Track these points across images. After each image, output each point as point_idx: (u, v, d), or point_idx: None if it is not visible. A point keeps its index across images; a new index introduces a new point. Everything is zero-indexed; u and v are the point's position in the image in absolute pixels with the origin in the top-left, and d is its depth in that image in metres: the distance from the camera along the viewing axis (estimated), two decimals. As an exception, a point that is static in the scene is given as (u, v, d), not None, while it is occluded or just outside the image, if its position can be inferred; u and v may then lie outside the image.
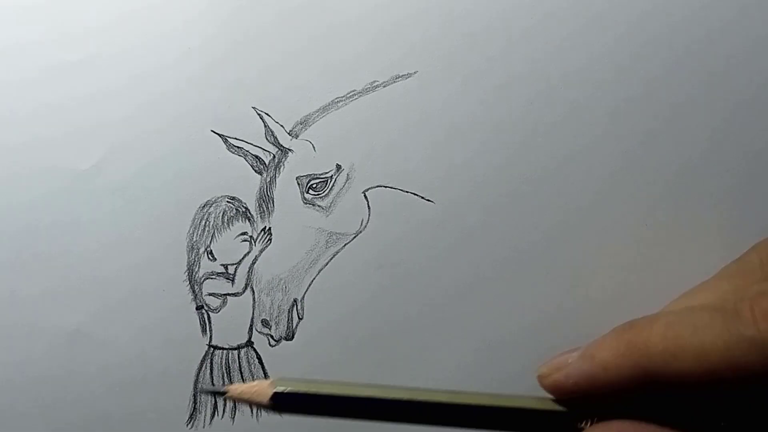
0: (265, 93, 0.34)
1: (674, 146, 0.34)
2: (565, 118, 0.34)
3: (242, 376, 0.34)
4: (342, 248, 0.34)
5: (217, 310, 0.34)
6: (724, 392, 0.25)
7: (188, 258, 0.34)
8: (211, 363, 0.34)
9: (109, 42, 0.34)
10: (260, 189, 0.34)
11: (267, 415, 0.34)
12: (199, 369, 0.34)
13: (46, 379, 0.34)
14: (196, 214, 0.34)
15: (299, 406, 0.27)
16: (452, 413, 0.27)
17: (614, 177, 0.34)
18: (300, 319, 0.34)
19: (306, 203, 0.34)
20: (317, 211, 0.34)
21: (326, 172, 0.35)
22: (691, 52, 0.34)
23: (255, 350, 0.34)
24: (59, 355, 0.34)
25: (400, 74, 0.35)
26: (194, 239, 0.34)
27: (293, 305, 0.34)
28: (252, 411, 0.34)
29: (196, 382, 0.34)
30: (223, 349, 0.34)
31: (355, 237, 0.34)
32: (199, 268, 0.34)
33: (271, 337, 0.34)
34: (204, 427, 0.34)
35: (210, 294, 0.34)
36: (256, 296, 0.34)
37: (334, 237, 0.34)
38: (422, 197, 0.34)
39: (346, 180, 0.34)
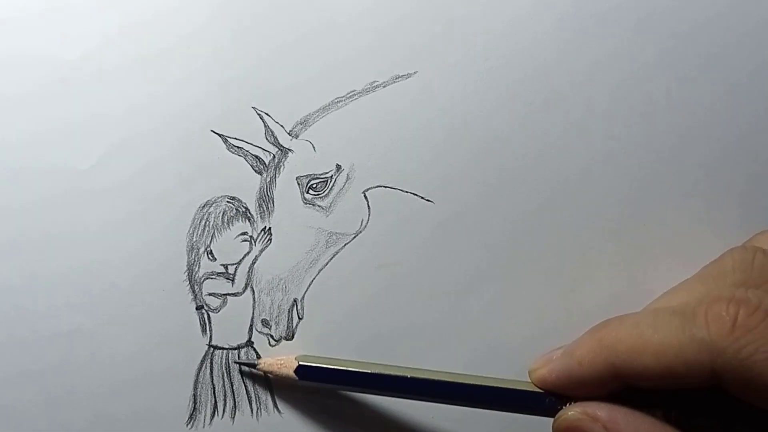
0: (265, 93, 0.34)
1: (674, 146, 0.34)
2: (564, 119, 0.34)
3: (242, 376, 0.34)
4: (342, 248, 0.34)
5: (217, 310, 0.34)
6: (681, 387, 0.27)
7: (188, 258, 0.34)
8: (211, 363, 0.34)
9: (108, 42, 0.34)
10: (260, 189, 0.34)
11: (267, 414, 0.34)
12: (199, 369, 0.34)
13: (46, 378, 0.34)
14: (196, 214, 0.34)
15: (317, 376, 0.32)
16: (451, 391, 0.31)
17: (614, 177, 0.34)
18: (300, 319, 0.34)
19: (306, 203, 0.34)
20: (317, 211, 0.34)
21: (326, 172, 0.35)
22: (692, 53, 0.34)
23: (255, 350, 0.34)
24: (59, 355, 0.34)
25: (400, 74, 0.35)
26: (194, 239, 0.34)
27: (293, 305, 0.34)
28: (252, 410, 0.34)
29: (196, 382, 0.34)
30: (223, 348, 0.34)
31: (355, 237, 0.34)
32: (199, 268, 0.34)
33: (271, 336, 0.34)
34: (204, 427, 0.34)
35: (210, 294, 0.34)
36: (256, 296, 0.34)
37: (334, 237, 0.34)
38: (422, 197, 0.34)
39: (346, 180, 0.34)
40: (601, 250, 0.34)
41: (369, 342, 0.34)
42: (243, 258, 0.34)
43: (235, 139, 0.34)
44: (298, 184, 0.34)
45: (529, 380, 0.31)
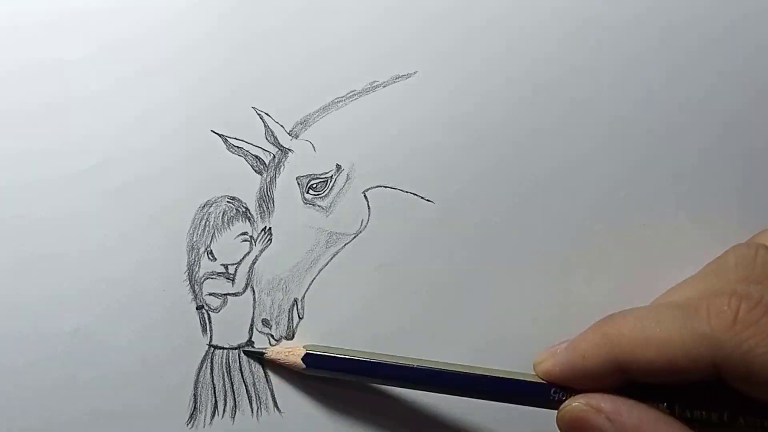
0: (265, 93, 0.34)
1: (674, 146, 0.34)
2: (564, 118, 0.34)
3: (242, 376, 0.34)
4: (342, 248, 0.34)
5: (217, 309, 0.34)
6: (684, 381, 0.27)
7: (188, 258, 0.34)
8: (212, 363, 0.34)
9: (108, 42, 0.34)
10: (260, 189, 0.34)
11: (267, 414, 0.34)
12: (200, 369, 0.34)
13: (46, 378, 0.34)
14: (196, 214, 0.34)
15: (325, 366, 0.32)
16: (457, 381, 0.31)
17: (614, 177, 0.34)
18: (300, 318, 0.34)
19: (306, 203, 0.34)
20: (317, 211, 0.34)
21: (326, 172, 0.35)
22: (692, 53, 0.34)
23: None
24: (59, 355, 0.34)
25: (400, 74, 0.35)
26: (194, 239, 0.34)
27: (293, 305, 0.34)
28: (252, 410, 0.34)
29: (197, 381, 0.34)
30: (223, 348, 0.34)
31: (355, 237, 0.34)
32: (199, 268, 0.34)
33: (272, 336, 0.34)
34: (204, 426, 0.34)
35: (210, 294, 0.34)
36: (256, 296, 0.34)
37: (334, 237, 0.34)
38: (422, 197, 0.34)
39: (346, 180, 0.34)
40: (601, 249, 0.34)
41: (369, 341, 0.34)
42: (243, 258, 0.34)
43: (235, 139, 0.34)
44: (298, 184, 0.35)
45: (534, 373, 0.31)
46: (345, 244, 0.34)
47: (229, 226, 0.34)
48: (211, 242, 0.34)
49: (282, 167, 0.34)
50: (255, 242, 0.34)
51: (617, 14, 0.35)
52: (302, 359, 0.32)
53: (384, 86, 0.35)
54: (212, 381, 0.34)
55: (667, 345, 0.27)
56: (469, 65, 0.35)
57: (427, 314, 0.34)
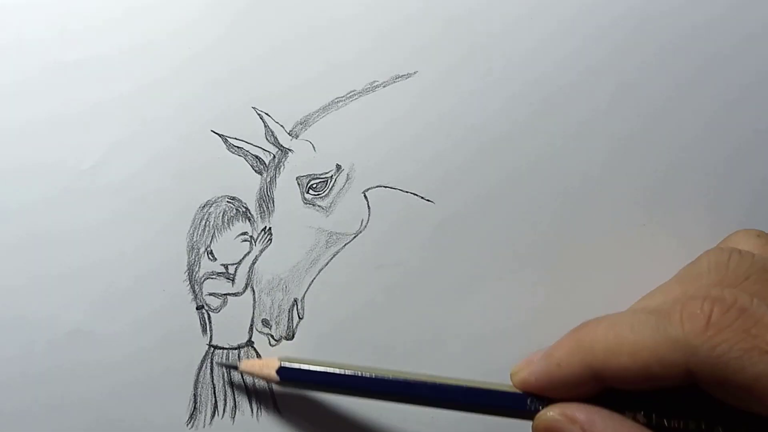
0: (265, 93, 0.34)
1: (674, 147, 0.34)
2: (564, 118, 0.34)
3: (242, 376, 0.34)
4: (342, 248, 0.34)
5: (217, 309, 0.34)
6: (659, 387, 0.27)
7: (188, 258, 0.34)
8: (212, 363, 0.34)
9: (109, 42, 0.34)
10: (260, 189, 0.34)
11: (267, 414, 0.34)
12: (200, 369, 0.34)
13: (45, 378, 0.34)
14: (196, 214, 0.34)
15: (299, 379, 0.32)
16: (432, 393, 0.30)
17: (613, 177, 0.34)
18: (300, 318, 0.34)
19: (306, 203, 0.34)
20: (317, 211, 0.34)
21: (326, 172, 0.35)
22: (691, 53, 0.35)
23: (255, 350, 0.34)
24: (59, 355, 0.34)
25: (400, 74, 0.35)
26: (194, 239, 0.34)
27: (293, 305, 0.34)
28: (252, 410, 0.34)
29: (197, 382, 0.34)
30: (223, 348, 0.34)
31: (355, 237, 0.34)
32: (199, 268, 0.34)
33: (272, 336, 0.34)
34: (204, 426, 0.34)
35: (210, 294, 0.34)
36: (256, 296, 0.34)
37: (334, 237, 0.34)
38: (422, 197, 0.34)
39: (346, 180, 0.34)
40: (601, 250, 0.34)
41: (369, 341, 0.34)
42: (243, 258, 0.34)
43: (235, 139, 0.34)
44: (298, 184, 0.35)
45: (511, 383, 0.31)
46: (345, 244, 0.34)
47: (229, 226, 0.34)
48: (211, 242, 0.34)
49: (282, 167, 0.34)
50: (255, 242, 0.34)
51: (622, 19, 0.35)
52: (276, 372, 0.32)
53: (384, 86, 0.35)
54: (212, 381, 0.34)
55: (641, 350, 0.26)
56: (469, 65, 0.35)
57: (427, 314, 0.34)
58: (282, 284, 0.34)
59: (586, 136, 0.34)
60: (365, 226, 0.34)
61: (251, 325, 0.34)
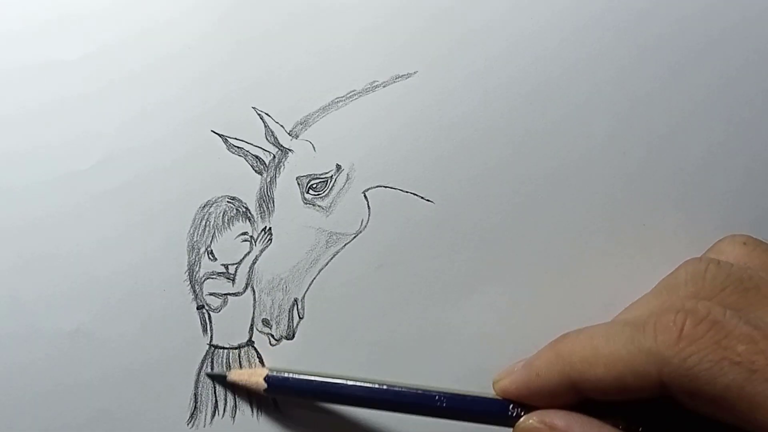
0: (265, 93, 0.34)
1: (675, 145, 0.34)
2: (564, 118, 0.34)
3: (243, 376, 0.34)
4: (342, 248, 0.34)
5: (217, 309, 0.34)
6: (635, 398, 0.27)
7: (189, 258, 0.34)
8: (212, 362, 0.34)
9: (108, 42, 0.34)
10: (260, 189, 0.34)
11: (267, 414, 0.34)
12: (200, 369, 0.34)
13: (46, 378, 0.34)
14: (196, 214, 0.34)
15: (287, 388, 0.32)
16: (415, 401, 0.31)
17: (614, 177, 0.34)
18: (300, 318, 0.34)
19: (306, 203, 0.34)
20: (317, 211, 0.34)
21: (326, 172, 0.35)
22: (692, 54, 0.34)
23: (255, 350, 0.34)
24: (59, 355, 0.34)
25: (400, 74, 0.35)
26: (194, 239, 0.34)
27: (294, 305, 0.34)
28: (252, 410, 0.34)
29: (197, 381, 0.34)
30: (223, 348, 0.34)
31: (355, 237, 0.34)
32: (199, 268, 0.34)
33: (272, 336, 0.34)
34: (204, 426, 0.34)
35: (210, 294, 0.34)
36: (256, 296, 0.34)
37: (335, 237, 0.34)
38: (422, 197, 0.34)
39: (346, 180, 0.35)
40: (601, 250, 0.34)
41: (369, 341, 0.34)
42: (243, 258, 0.34)
43: (235, 139, 0.34)
44: (298, 184, 0.35)
45: (493, 391, 0.31)
46: (345, 244, 0.34)
47: (229, 226, 0.34)
48: (211, 242, 0.34)
49: (282, 167, 0.35)
50: (255, 242, 0.34)
51: (619, 15, 0.35)
52: (264, 380, 0.32)
53: (384, 86, 0.35)
54: (212, 381, 0.34)
55: (616, 362, 0.27)
56: (469, 65, 0.35)
57: (427, 314, 0.34)
58: (282, 284, 0.34)
59: (587, 134, 0.34)
60: (365, 226, 0.34)
61: (251, 325, 0.34)
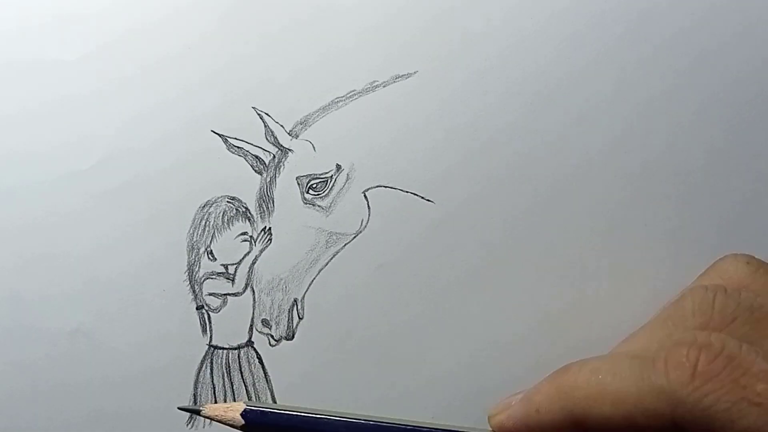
0: (265, 93, 0.34)
1: (676, 145, 0.34)
2: (564, 118, 0.34)
3: (242, 376, 0.34)
4: (342, 248, 0.34)
5: (217, 310, 0.34)
6: None
7: (188, 258, 0.34)
8: (212, 363, 0.34)
9: (108, 42, 0.34)
10: (260, 189, 0.34)
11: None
12: (200, 369, 0.34)
13: (45, 378, 0.34)
14: (196, 214, 0.34)
15: (266, 426, 0.30)
16: None
17: (614, 178, 0.34)
18: (300, 318, 0.34)
19: (306, 203, 0.34)
20: (317, 211, 0.34)
21: (326, 172, 0.35)
22: (696, 55, 0.34)
23: (255, 350, 0.34)
24: (59, 355, 0.34)
25: (400, 74, 0.35)
26: (194, 239, 0.34)
27: (293, 305, 0.34)
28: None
29: (197, 382, 0.34)
30: (223, 348, 0.34)
31: (355, 237, 0.34)
32: (199, 268, 0.34)
33: (272, 336, 0.34)
34: (204, 426, 0.34)
35: (210, 294, 0.34)
36: (256, 296, 0.34)
37: (334, 237, 0.34)
38: (422, 197, 0.34)
39: (346, 180, 0.34)
40: (601, 250, 0.34)
41: (369, 341, 0.34)
42: (243, 258, 0.34)
43: (235, 139, 0.34)
44: (298, 184, 0.35)
45: (489, 426, 0.30)
46: (345, 244, 0.34)
47: (229, 226, 0.34)
48: (211, 242, 0.34)
49: (282, 167, 0.34)
50: (255, 242, 0.34)
51: (620, 16, 0.34)
52: (241, 415, 0.30)
53: (384, 86, 0.35)
54: (212, 381, 0.34)
55: (624, 400, 0.25)
56: (469, 65, 0.34)
57: (427, 314, 0.34)
58: (282, 284, 0.34)
59: (588, 134, 0.34)
60: (365, 226, 0.34)
61: (251, 325, 0.34)
